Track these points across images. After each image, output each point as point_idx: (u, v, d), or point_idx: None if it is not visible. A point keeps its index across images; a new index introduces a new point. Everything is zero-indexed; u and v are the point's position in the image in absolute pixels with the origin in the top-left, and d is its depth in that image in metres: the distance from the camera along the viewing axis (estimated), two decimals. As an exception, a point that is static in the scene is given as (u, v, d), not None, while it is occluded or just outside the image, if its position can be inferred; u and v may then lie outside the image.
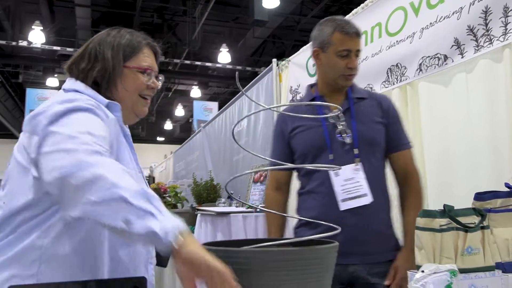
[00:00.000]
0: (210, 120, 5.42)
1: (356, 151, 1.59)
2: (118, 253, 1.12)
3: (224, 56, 10.23)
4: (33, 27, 9.63)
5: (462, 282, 1.04)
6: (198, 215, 2.52)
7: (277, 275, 0.80)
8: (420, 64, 2.18)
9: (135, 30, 1.34)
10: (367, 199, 1.55)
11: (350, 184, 1.57)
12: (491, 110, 1.85)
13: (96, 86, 1.21)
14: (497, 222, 1.28)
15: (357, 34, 1.61)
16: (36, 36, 9.63)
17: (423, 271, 0.94)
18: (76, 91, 1.17)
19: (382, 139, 1.64)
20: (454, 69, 2.03)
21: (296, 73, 3.26)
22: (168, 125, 15.43)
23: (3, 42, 9.85)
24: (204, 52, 11.90)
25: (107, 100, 1.17)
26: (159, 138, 16.69)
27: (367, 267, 1.53)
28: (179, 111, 13.77)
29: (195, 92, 12.12)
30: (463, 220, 1.12)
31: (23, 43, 9.98)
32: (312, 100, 1.70)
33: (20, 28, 10.04)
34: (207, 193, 3.88)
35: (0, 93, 11.97)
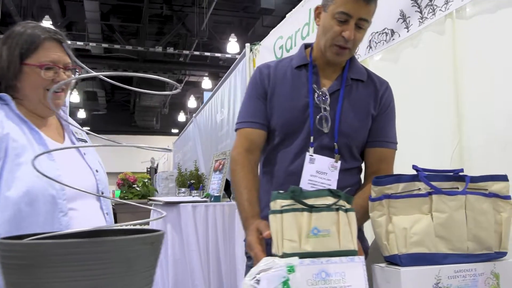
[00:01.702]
0: (200, 110, 5.35)
1: (336, 145, 1.37)
2: None
3: (233, 46, 10.12)
4: (43, 21, 9.77)
5: (310, 268, 0.91)
6: (152, 205, 2.45)
7: (55, 271, 0.70)
8: (370, 41, 2.02)
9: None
10: None
11: (319, 178, 1.36)
12: (437, 86, 1.68)
13: None
14: (397, 209, 1.14)
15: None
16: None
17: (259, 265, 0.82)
18: None
19: (365, 134, 1.41)
20: (402, 44, 1.86)
21: (266, 57, 3.13)
22: (181, 117, 15.48)
23: (16, 37, 10.06)
24: (214, 42, 11.84)
25: None
26: (173, 130, 16.78)
27: None
28: (192, 103, 13.77)
29: (206, 83, 12.08)
30: (316, 201, 0.99)
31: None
32: (303, 66, 1.43)
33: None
34: (196, 183, 3.81)
35: (17, 88, 12.25)
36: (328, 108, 1.37)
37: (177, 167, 4.21)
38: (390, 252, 1.12)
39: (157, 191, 3.52)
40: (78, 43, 10.50)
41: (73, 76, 1.31)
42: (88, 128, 16.15)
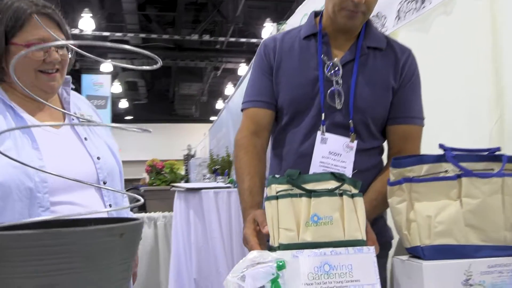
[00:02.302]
0: (231, 96, 5.26)
1: (351, 123, 1.22)
2: None
3: (269, 31, 9.93)
4: (82, 14, 9.98)
5: (311, 259, 0.79)
6: (176, 192, 2.40)
7: (13, 265, 0.63)
8: (399, 11, 1.83)
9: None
10: None
11: (333, 160, 1.21)
12: (474, 55, 1.49)
13: None
14: (420, 194, 0.99)
15: None
16: (86, 23, 9.99)
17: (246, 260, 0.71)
18: None
19: (386, 109, 1.25)
20: (434, 12, 1.67)
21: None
22: (219, 104, 15.49)
23: (58, 31, 10.37)
24: (249, 28, 11.69)
25: None
26: (211, 118, 16.87)
27: None
28: (229, 90, 13.73)
29: (243, 69, 11.98)
30: (317, 186, 0.87)
31: (75, 31, 10.43)
32: (311, 35, 1.27)
33: (73, 16, 10.47)
34: (221, 169, 3.75)
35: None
36: (340, 82, 1.22)
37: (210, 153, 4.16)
38: (411, 244, 0.98)
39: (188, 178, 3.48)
40: (117, 34, 10.69)
41: (69, 54, 1.22)
42: (131, 118, 16.54)
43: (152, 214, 2.97)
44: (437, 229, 0.96)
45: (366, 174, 1.20)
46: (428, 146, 1.21)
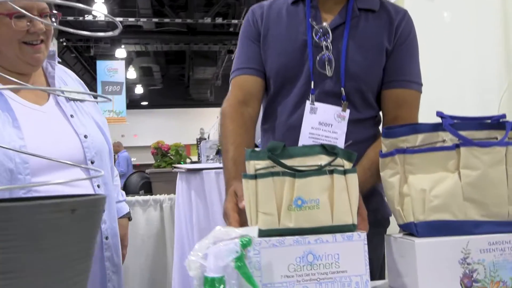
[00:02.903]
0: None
1: (343, 91, 1.14)
2: None
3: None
4: (95, 0, 9.96)
5: (292, 249, 0.72)
6: (178, 173, 2.36)
7: None
8: (404, -25, 1.71)
9: None
10: None
11: (323, 131, 1.13)
12: (482, 19, 1.38)
13: None
14: (415, 167, 0.91)
15: None
16: (99, 9, 9.98)
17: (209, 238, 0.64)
18: None
19: (379, 74, 1.16)
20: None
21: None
22: (235, 88, 15.38)
23: (72, 18, 10.39)
24: (263, 9, 11.48)
25: None
26: (228, 102, 16.74)
27: None
28: (244, 73, 13.60)
29: (257, 52, 11.83)
30: (304, 161, 0.78)
31: (89, 17, 10.43)
32: (300, 0, 1.19)
33: (86, 2, 10.46)
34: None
35: (77, 68, 12.77)
36: (330, 47, 1.13)
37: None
38: (404, 220, 0.90)
39: (190, 158, 3.44)
40: (130, 19, 10.65)
41: (54, 23, 1.16)
42: (146, 103, 16.57)
43: (158, 197, 2.94)
44: (432, 204, 0.87)
45: (361, 146, 1.11)
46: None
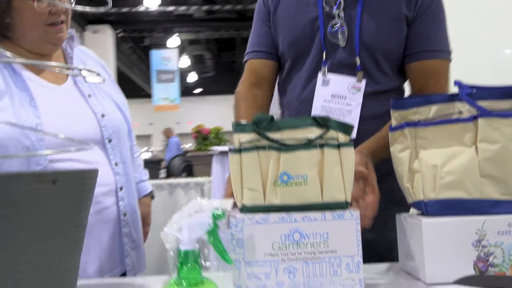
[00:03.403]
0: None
1: (358, 60, 1.07)
2: None
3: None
4: (145, -13, 10.19)
5: (277, 227, 0.68)
6: (213, 155, 2.37)
7: None
8: None
9: None
10: None
11: (336, 104, 1.08)
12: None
13: None
14: (427, 141, 0.84)
15: None
16: (152, 0, 10.22)
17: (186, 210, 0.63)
18: None
19: (398, 44, 1.08)
20: None
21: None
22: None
23: (126, 9, 10.75)
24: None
25: None
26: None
27: None
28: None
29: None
30: (294, 134, 0.73)
31: (142, 8, 10.73)
32: None
33: (139, -9, 10.76)
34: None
35: (133, 58, 13.24)
36: (342, 15, 1.07)
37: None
38: (414, 198, 0.83)
39: (229, 141, 3.45)
40: (181, 8, 10.83)
41: (72, 3, 1.19)
42: (200, 90, 16.86)
43: (199, 179, 2.99)
44: (444, 181, 0.80)
45: (381, 120, 1.03)
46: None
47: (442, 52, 1.08)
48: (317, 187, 0.69)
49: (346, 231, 0.68)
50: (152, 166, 3.15)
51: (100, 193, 1.13)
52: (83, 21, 10.59)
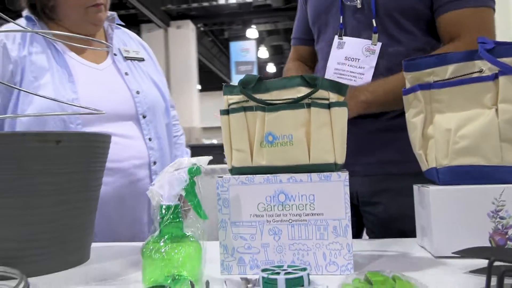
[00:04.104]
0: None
1: (374, 22, 1.04)
2: None
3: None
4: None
5: (262, 188, 0.67)
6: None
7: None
8: None
9: None
10: None
11: (349, 66, 1.06)
12: None
13: (33, 9, 1.24)
14: (444, 104, 0.77)
15: None
16: None
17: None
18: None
19: (420, 1, 1.02)
20: None
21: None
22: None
23: (207, 3, 11.11)
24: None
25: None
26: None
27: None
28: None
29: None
30: (281, 95, 0.70)
31: (222, 1, 11.01)
32: None
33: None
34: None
35: (214, 51, 13.67)
36: None
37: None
38: (427, 165, 0.77)
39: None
40: (259, -1, 10.94)
41: None
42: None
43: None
44: (458, 146, 0.73)
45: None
46: None
47: (472, 0, 0.97)
48: (304, 147, 0.67)
49: (334, 193, 0.65)
50: (220, 151, 3.26)
51: (133, 165, 1.20)
52: (167, 18, 11.15)
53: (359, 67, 1.03)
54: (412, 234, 0.85)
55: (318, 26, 1.16)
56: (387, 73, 0.99)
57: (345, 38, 1.07)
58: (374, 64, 1.02)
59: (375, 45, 1.03)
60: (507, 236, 0.69)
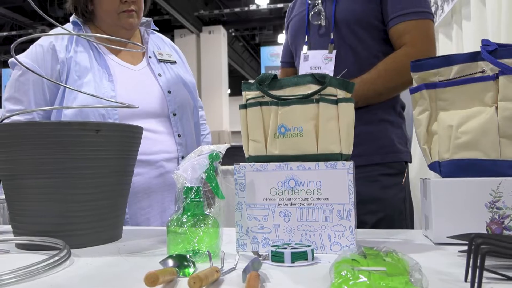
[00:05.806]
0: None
1: (332, 34, 1.27)
2: None
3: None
4: (257, -11, 10.60)
5: (275, 174, 0.74)
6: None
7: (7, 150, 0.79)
8: None
9: None
10: None
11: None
12: None
13: (76, 12, 1.38)
14: (448, 102, 0.82)
15: None
16: None
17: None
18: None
19: (373, 16, 1.24)
20: None
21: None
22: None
23: (238, 9, 11.30)
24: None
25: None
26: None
27: None
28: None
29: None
30: (293, 91, 0.77)
31: (253, 7, 11.18)
32: None
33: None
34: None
35: (245, 56, 13.83)
36: (319, 1, 1.30)
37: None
38: (431, 159, 0.83)
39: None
40: (290, 4, 11.03)
41: None
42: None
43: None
44: (459, 141, 0.78)
45: (344, 74, 1.16)
46: None
47: (411, 14, 1.19)
48: (313, 138, 0.74)
49: (339, 180, 0.71)
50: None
51: (164, 158, 1.30)
52: (199, 23, 11.40)
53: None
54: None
55: (295, 46, 1.40)
56: (347, 78, 1.13)
57: (308, 52, 1.30)
58: (332, 69, 1.23)
59: (331, 53, 1.25)
60: (503, 225, 0.73)
